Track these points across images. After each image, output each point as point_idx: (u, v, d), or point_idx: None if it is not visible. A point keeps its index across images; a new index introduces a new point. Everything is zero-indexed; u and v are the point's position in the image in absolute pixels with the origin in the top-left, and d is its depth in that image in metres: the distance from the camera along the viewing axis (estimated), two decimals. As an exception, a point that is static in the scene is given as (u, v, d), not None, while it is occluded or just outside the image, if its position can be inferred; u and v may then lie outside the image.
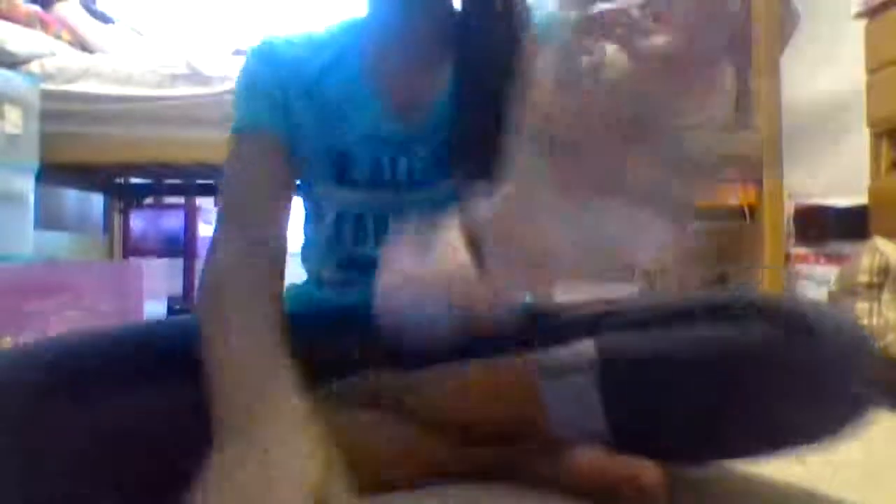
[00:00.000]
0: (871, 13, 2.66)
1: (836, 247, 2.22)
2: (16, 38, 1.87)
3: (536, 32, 0.66)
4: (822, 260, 2.27)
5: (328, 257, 0.77)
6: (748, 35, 1.71)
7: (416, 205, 0.71)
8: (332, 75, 0.73)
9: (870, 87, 2.58)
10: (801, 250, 2.31)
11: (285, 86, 0.72)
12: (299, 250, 0.83)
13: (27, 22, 2.03)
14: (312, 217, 0.80)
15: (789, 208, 2.75)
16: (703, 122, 1.62)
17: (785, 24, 1.73)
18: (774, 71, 1.67)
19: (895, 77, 2.41)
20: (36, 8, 2.18)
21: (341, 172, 0.73)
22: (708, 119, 1.81)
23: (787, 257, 2.34)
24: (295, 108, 0.72)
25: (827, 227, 2.35)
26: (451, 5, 0.73)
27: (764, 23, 1.67)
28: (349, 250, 0.75)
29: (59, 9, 2.33)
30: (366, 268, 0.74)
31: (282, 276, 0.70)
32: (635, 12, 1.84)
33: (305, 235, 0.83)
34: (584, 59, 1.80)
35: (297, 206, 0.82)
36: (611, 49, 1.81)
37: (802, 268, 2.24)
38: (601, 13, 1.91)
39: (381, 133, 0.72)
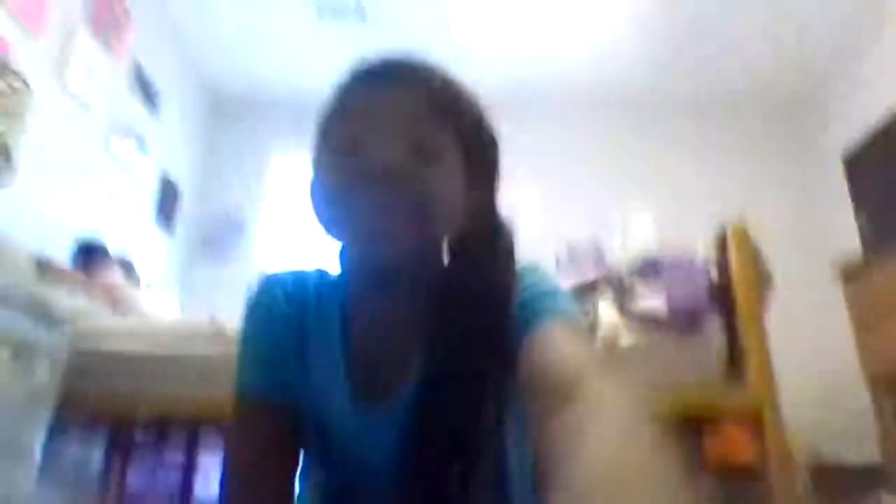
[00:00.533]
0: (846, 274, 2.88)
1: (857, 507, 2.13)
2: (57, 300, 2.03)
3: (522, 321, 0.61)
4: (847, 523, 2.15)
5: None
6: (731, 296, 1.86)
7: (384, 488, 0.64)
8: (315, 337, 0.70)
9: (860, 344, 2.69)
10: (823, 511, 2.20)
11: (281, 344, 0.69)
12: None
13: (71, 285, 2.22)
14: (304, 473, 0.75)
15: (805, 464, 2.68)
16: (698, 377, 1.70)
17: (761, 286, 1.88)
18: (760, 328, 1.78)
19: (883, 332, 2.53)
20: (81, 273, 2.39)
21: (321, 442, 0.70)
22: (703, 374, 1.90)
23: (811, 519, 2.22)
24: (289, 365, 0.69)
25: (845, 485, 2.27)
26: (431, 283, 0.66)
27: (743, 286, 1.82)
28: None
29: (100, 274, 2.56)
30: None
31: None
32: (625, 277, 2.05)
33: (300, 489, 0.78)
34: (582, 319, 1.93)
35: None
36: (605, 309, 1.98)
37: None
38: (596, 278, 2.12)
39: (351, 414, 0.67)
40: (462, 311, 0.62)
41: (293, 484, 0.70)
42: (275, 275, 0.74)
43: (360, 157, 0.60)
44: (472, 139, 0.66)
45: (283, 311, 0.70)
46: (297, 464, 0.71)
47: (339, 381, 0.68)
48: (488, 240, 0.67)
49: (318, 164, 0.66)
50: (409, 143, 0.60)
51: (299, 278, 0.74)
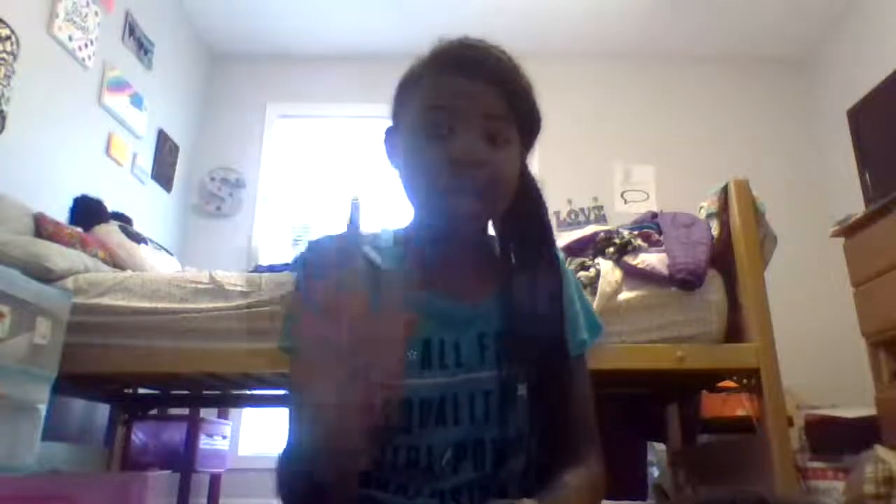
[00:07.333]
0: (847, 231, 2.86)
1: (851, 460, 2.16)
2: (55, 256, 2.02)
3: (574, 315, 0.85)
4: (840, 475, 2.19)
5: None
6: (731, 252, 1.85)
7: (461, 387, 0.76)
8: (381, 274, 0.78)
9: (858, 299, 2.69)
10: (817, 464, 2.24)
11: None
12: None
13: (69, 242, 2.21)
14: None
15: (800, 420, 2.72)
16: (697, 334, 1.71)
17: (764, 246, 1.87)
18: (760, 285, 1.77)
19: (881, 289, 2.53)
20: (79, 230, 2.38)
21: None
22: (702, 331, 1.90)
23: (804, 472, 2.26)
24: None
25: (839, 439, 2.30)
26: (491, 248, 0.87)
27: (744, 243, 1.81)
28: (395, 437, 0.74)
29: (98, 230, 2.55)
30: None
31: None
32: (626, 233, 2.03)
33: None
34: (582, 274, 1.92)
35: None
36: (606, 265, 1.98)
37: (820, 484, 2.15)
38: (597, 233, 2.10)
39: (431, 310, 0.77)
40: (525, 245, 0.84)
41: None
42: (320, 241, 0.83)
43: (449, 144, 0.75)
44: (528, 126, 0.82)
45: (325, 272, 0.76)
46: None
47: (413, 289, 0.77)
48: (529, 196, 0.85)
49: (411, 136, 0.79)
50: (485, 133, 0.76)
51: (345, 239, 0.79)
